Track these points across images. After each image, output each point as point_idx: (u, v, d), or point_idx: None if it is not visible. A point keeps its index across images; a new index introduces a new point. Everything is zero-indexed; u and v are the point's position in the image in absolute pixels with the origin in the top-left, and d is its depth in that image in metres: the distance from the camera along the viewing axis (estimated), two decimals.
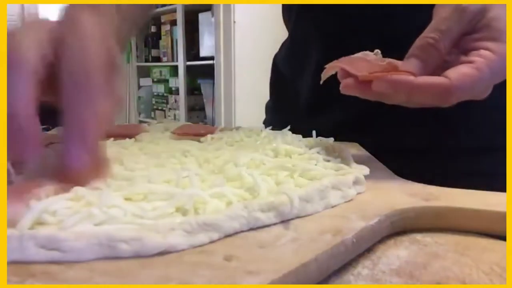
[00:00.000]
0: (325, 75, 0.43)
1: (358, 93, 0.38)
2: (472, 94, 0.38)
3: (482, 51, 0.37)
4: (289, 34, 0.69)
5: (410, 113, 0.54)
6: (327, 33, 0.60)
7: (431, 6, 0.40)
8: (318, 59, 0.60)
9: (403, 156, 0.49)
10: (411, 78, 0.36)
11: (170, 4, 3.25)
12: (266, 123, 0.71)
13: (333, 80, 0.41)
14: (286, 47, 0.70)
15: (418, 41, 0.39)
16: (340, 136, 0.51)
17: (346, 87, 0.39)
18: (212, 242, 0.25)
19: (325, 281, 0.25)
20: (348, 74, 0.39)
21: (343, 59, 0.41)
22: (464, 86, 0.36)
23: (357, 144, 0.53)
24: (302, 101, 0.64)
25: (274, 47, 0.75)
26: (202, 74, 3.09)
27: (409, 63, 0.38)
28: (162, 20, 3.50)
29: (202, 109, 3.24)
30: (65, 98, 0.29)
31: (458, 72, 0.36)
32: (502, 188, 0.35)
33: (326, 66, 0.42)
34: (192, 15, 3.10)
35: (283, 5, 0.68)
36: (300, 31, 0.65)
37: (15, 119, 0.28)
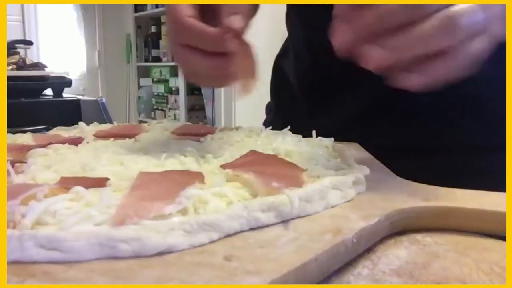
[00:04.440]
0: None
1: None
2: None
3: None
4: (290, 37, 0.69)
5: (410, 113, 0.55)
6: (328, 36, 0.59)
7: None
8: (319, 60, 0.60)
9: (403, 156, 0.49)
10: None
11: None
12: (267, 123, 0.71)
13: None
14: (288, 49, 0.70)
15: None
16: (341, 136, 0.51)
17: None
18: (212, 242, 0.25)
19: (325, 281, 0.25)
20: None
21: None
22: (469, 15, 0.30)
23: (357, 144, 0.52)
24: (303, 102, 0.64)
25: (274, 47, 0.75)
26: None
27: None
28: (162, 20, 3.49)
29: (202, 109, 3.24)
30: None
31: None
32: (502, 187, 0.35)
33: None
34: None
35: (287, 11, 0.68)
36: (299, 35, 0.64)
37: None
